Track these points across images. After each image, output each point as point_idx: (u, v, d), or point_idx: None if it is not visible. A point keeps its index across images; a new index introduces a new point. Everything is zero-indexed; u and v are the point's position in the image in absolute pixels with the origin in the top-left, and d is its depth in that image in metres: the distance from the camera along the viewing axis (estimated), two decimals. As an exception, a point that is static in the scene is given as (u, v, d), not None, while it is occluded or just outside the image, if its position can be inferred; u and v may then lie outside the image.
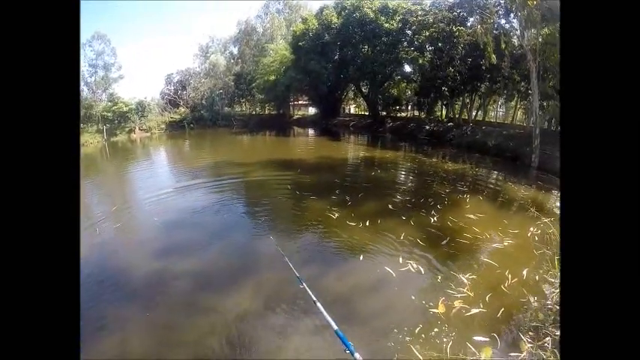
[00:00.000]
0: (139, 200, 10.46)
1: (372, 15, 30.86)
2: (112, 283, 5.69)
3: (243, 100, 51.31)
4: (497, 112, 37.91)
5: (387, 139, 24.05)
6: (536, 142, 17.80)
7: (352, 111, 48.99)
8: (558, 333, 4.60)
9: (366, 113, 40.46)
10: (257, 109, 50.67)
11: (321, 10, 35.46)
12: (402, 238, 6.96)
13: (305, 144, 27.81)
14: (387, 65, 31.10)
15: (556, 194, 12.75)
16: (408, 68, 31.77)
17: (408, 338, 4.30)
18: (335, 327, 2.79)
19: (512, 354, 4.23)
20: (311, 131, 36.30)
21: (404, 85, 34.08)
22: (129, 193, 11.98)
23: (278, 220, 8.49)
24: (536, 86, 19.01)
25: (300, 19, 39.18)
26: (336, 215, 8.29)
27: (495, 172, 15.66)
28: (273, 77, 38.55)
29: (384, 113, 36.32)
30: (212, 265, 6.21)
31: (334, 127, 36.90)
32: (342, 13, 33.27)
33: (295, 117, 47.87)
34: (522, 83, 23.78)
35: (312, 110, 49.74)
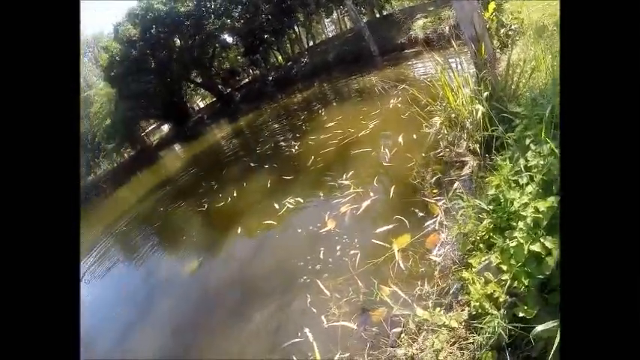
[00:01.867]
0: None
1: (164, 8, 28.91)
2: None
3: (99, 159, 46.62)
4: (326, 31, 38.87)
5: (243, 110, 23.25)
6: (367, 34, 18.24)
7: (201, 105, 47.14)
8: (464, 172, 4.10)
9: (214, 99, 38.86)
10: (117, 159, 45.70)
11: (116, 29, 32.20)
12: (269, 185, 6.34)
13: (173, 159, 26.04)
14: (204, 45, 29.67)
15: (404, 65, 12.96)
16: (225, 37, 30.85)
17: (318, 267, 3.69)
18: None
19: (427, 222, 3.56)
20: (175, 146, 33.97)
21: (231, 54, 33.14)
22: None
23: (161, 244, 7.81)
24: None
25: (102, 51, 35.17)
26: (206, 206, 7.58)
27: (345, 79, 15.59)
28: (108, 120, 35.40)
29: (229, 89, 35.09)
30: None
31: (191, 130, 34.72)
32: (136, 21, 30.59)
33: (154, 143, 44.63)
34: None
35: (165, 127, 46.65)
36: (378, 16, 26.45)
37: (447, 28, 15.21)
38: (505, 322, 1.98)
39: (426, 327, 2.43)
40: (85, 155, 42.37)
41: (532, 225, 2.07)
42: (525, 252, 1.99)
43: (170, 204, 10.31)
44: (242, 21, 27.44)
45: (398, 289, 2.91)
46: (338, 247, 3.79)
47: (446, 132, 4.72)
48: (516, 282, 2.00)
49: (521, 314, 1.90)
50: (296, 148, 7.56)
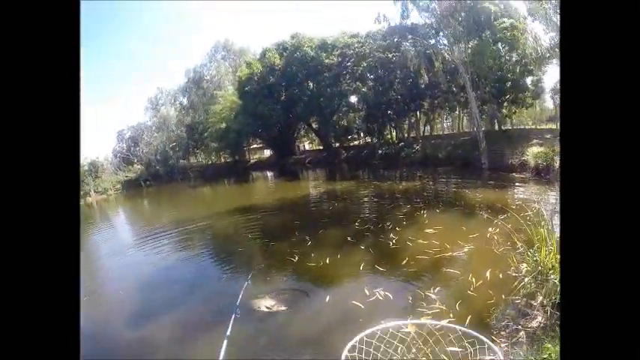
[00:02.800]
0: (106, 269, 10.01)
1: (312, 53, 31.85)
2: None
3: (198, 150, 50.03)
4: (444, 124, 39.45)
5: (344, 170, 24.20)
6: (482, 145, 18.59)
7: (307, 147, 49.52)
8: (531, 325, 4.62)
9: (321, 147, 40.83)
10: (212, 158, 49.31)
11: (264, 53, 36.03)
12: (361, 268, 6.88)
13: (264, 188, 27.52)
14: (333, 99, 31.88)
15: (509, 190, 13.23)
16: (353, 98, 33.02)
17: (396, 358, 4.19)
18: None
19: (486, 358, 4.19)
20: (269, 174, 35.95)
21: (352, 114, 35.07)
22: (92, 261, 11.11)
23: (237, 278, 7.94)
24: (472, 94, 19.94)
25: (244, 64, 39.14)
26: (297, 258, 8.06)
27: (449, 182, 16.03)
28: (224, 124, 38.28)
29: (337, 145, 37.00)
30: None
31: (291, 166, 36.68)
32: (284, 53, 34.07)
33: (252, 161, 47.29)
34: (461, 93, 24.77)
35: (267, 152, 49.49)
36: (497, 128, 26.89)
37: (559, 162, 15.31)
38: None
39: None
40: (187, 141, 46.12)
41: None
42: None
43: (257, 234, 11.07)
44: (373, 91, 29.34)
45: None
46: (413, 350, 4.46)
47: (528, 283, 5.25)
48: None
49: None
50: (394, 241, 8.09)
